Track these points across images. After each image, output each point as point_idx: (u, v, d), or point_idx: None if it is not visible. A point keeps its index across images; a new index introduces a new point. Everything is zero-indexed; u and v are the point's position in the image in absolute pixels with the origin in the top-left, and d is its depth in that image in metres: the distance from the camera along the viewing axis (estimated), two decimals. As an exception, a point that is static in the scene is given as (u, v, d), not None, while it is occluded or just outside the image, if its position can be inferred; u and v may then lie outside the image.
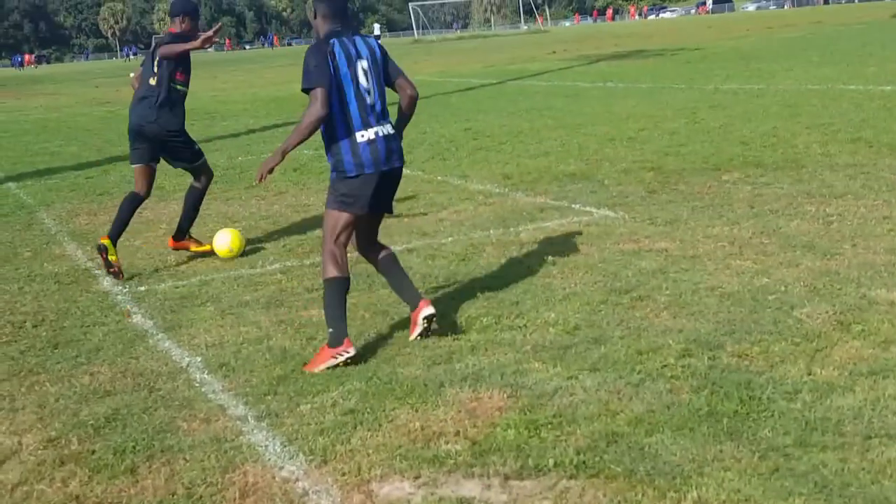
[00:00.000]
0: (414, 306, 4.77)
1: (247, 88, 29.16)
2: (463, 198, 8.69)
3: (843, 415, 3.55)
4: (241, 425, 3.91)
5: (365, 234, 4.93)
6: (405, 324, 4.97)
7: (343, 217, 4.65)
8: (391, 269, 4.94)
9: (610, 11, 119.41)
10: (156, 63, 6.64)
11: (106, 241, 6.55)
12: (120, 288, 6.32)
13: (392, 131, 4.72)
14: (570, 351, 4.47)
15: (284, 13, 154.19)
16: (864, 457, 3.22)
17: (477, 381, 4.15)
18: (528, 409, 3.82)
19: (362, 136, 4.58)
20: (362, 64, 4.61)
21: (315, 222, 7.86)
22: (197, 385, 4.43)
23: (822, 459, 3.22)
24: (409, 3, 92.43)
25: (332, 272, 4.60)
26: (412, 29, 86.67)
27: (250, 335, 5.10)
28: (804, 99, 13.87)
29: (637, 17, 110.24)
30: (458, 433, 3.64)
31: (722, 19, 69.17)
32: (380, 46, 4.80)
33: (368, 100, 4.61)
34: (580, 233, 6.90)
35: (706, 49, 30.27)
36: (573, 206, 7.93)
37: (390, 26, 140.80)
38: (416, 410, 3.88)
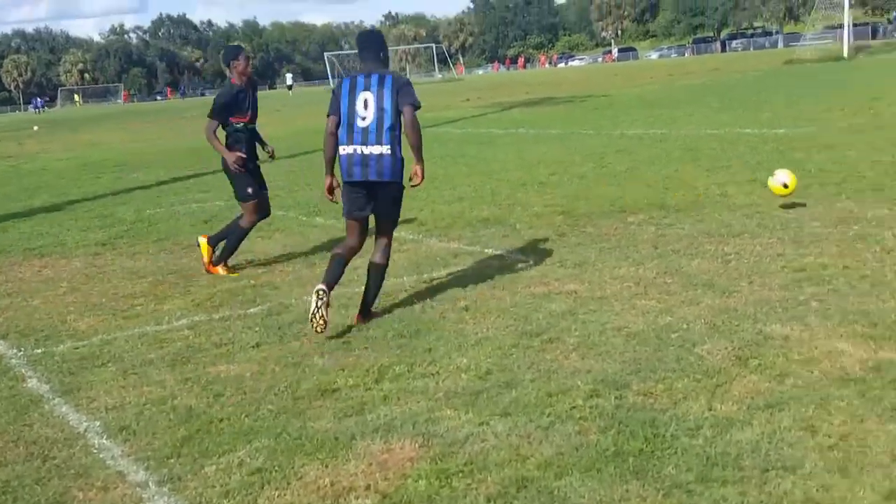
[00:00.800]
0: (359, 312, 6.09)
1: (156, 140, 28.80)
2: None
3: (742, 449, 3.68)
4: (142, 492, 3.80)
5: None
6: (316, 375, 4.98)
7: (346, 221, 6.22)
8: (369, 277, 6.20)
9: (521, 60, 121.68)
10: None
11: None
12: (14, 351, 6.06)
13: (379, 152, 5.83)
14: (482, 396, 4.54)
15: (197, 63, 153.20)
16: (762, 489, 3.34)
17: (388, 431, 4.17)
18: (440, 457, 3.85)
19: (343, 149, 5.93)
20: (363, 96, 5.86)
21: (224, 276, 7.82)
22: (95, 451, 4.25)
23: (722, 494, 3.33)
24: (325, 53, 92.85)
25: (335, 250, 6.18)
26: (328, 78, 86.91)
27: (153, 395, 4.96)
28: (704, 143, 14.33)
29: (547, 65, 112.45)
30: (368, 487, 3.65)
31: (627, 67, 71.06)
32: (394, 82, 5.88)
33: (360, 124, 5.85)
34: (493, 277, 7.01)
35: (613, 96, 31.06)
36: (486, 250, 8.05)
37: (306, 76, 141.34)
38: (326, 466, 3.87)
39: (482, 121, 25.28)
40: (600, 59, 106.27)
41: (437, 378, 4.87)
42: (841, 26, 46.90)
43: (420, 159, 6.03)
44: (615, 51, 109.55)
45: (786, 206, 8.56)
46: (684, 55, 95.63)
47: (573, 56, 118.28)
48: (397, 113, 5.84)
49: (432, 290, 6.77)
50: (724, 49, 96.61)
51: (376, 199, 6.02)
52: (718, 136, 15.02)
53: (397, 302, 6.55)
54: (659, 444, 3.78)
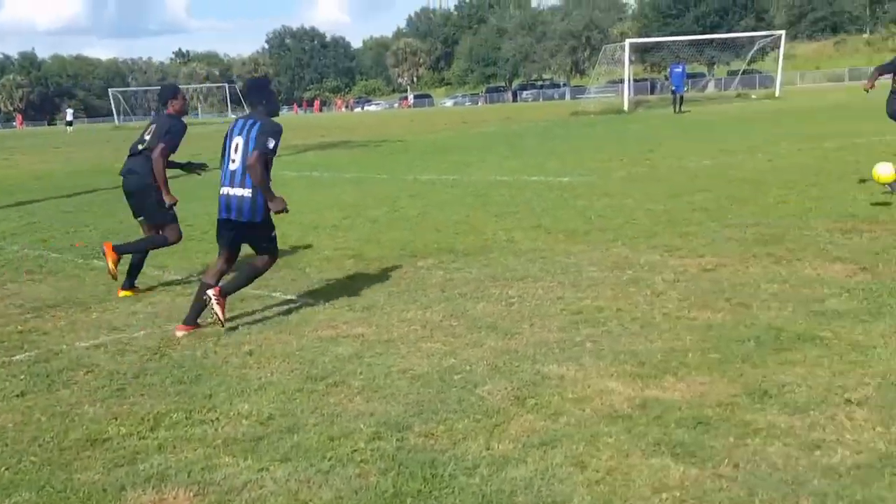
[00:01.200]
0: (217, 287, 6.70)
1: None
2: (159, 289, 8.45)
3: (516, 486, 3.78)
4: None
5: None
6: (86, 424, 4.74)
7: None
8: (242, 267, 7.11)
9: (317, 103, 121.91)
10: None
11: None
12: None
13: (241, 194, 6.52)
14: (263, 442, 4.45)
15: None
16: (533, 524, 3.44)
17: (162, 481, 4.01)
18: (215, 504, 3.75)
19: (220, 189, 6.68)
20: (236, 140, 6.55)
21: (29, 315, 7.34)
22: None
23: (496, 530, 3.40)
24: (110, 90, 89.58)
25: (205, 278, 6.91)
26: (114, 115, 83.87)
27: None
28: (494, 189, 14.79)
29: (344, 108, 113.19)
30: (139, 536, 3.49)
31: (423, 113, 72.59)
32: (260, 127, 6.49)
33: (231, 166, 6.57)
34: (280, 321, 6.92)
35: (408, 141, 31.59)
36: (274, 294, 7.94)
37: (90, 112, 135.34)
38: (94, 517, 3.69)
39: (275, 163, 25.03)
40: (396, 105, 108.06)
41: (216, 425, 4.73)
42: (622, 81, 49.80)
43: (266, 196, 6.56)
44: (411, 97, 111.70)
45: (567, 253, 8.93)
46: (478, 103, 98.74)
47: (370, 101, 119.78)
48: None
49: (216, 335, 6.60)
50: (515, 99, 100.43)
51: (244, 236, 6.85)
52: (507, 183, 15.53)
53: (178, 347, 6.34)
54: (437, 485, 3.82)
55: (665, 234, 9.52)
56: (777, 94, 49.24)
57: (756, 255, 8.07)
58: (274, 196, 6.60)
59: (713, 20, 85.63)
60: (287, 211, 6.72)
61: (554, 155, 21.07)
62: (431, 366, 5.55)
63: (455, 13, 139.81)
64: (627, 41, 50.75)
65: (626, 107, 45.41)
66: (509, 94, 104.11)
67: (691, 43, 67.80)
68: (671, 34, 75.73)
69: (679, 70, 40.86)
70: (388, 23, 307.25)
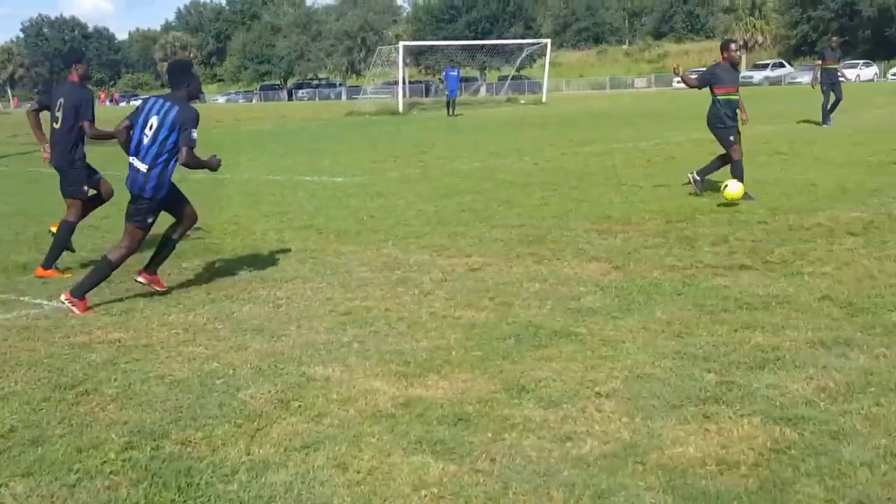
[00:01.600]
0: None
1: None
2: None
3: (276, 490, 3.71)
4: None
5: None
6: None
7: None
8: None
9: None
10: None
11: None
12: None
13: (139, 167, 7.01)
14: (3, 456, 4.15)
15: None
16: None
17: None
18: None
19: (129, 159, 7.15)
20: (151, 119, 7.01)
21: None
22: None
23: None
24: None
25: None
26: None
27: None
28: (265, 188, 14.56)
29: (108, 102, 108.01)
30: None
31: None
32: (177, 114, 6.97)
33: (144, 140, 7.01)
34: (28, 327, 6.49)
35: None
36: (22, 298, 7.44)
37: None
38: None
39: (32, 158, 23.54)
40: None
41: (-50, 440, 4.36)
42: (397, 82, 50.37)
43: (206, 167, 7.29)
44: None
45: (337, 253, 8.89)
46: (252, 101, 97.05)
47: (136, 95, 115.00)
48: (169, 143, 6.94)
49: (-45, 342, 6.10)
50: (290, 97, 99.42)
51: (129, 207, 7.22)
52: (280, 182, 15.33)
53: (-89, 356, 5.80)
54: (192, 493, 3.69)
55: (435, 234, 9.68)
56: (544, 99, 51.33)
57: (520, 255, 8.36)
58: (207, 162, 7.23)
59: (484, 26, 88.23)
60: (216, 167, 7.36)
61: (328, 154, 21.01)
62: (192, 370, 5.37)
63: (227, 8, 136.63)
64: (401, 43, 51.36)
65: (400, 108, 45.93)
66: (284, 93, 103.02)
67: (464, 48, 69.61)
68: (444, 38, 77.40)
69: (454, 74, 41.72)
70: (155, 15, 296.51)
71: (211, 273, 8.25)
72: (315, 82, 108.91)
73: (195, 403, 4.79)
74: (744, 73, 61.81)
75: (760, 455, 3.89)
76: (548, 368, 5.15)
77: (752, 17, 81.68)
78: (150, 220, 7.24)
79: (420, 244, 9.17)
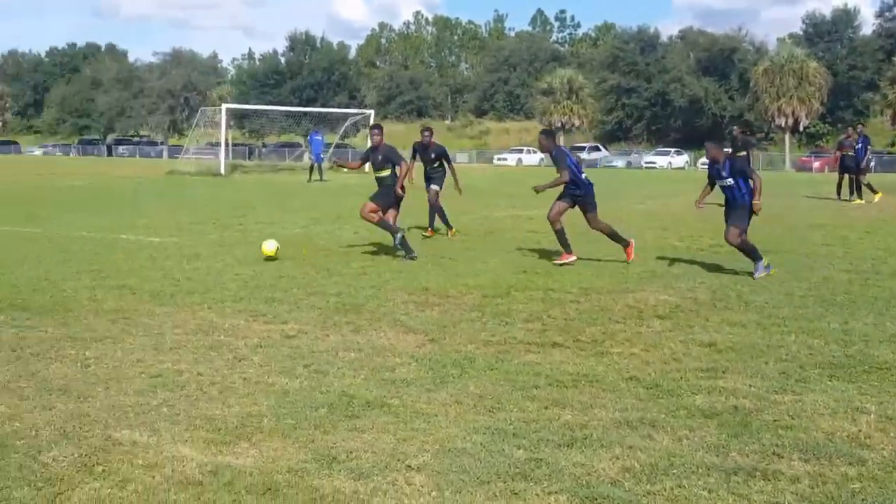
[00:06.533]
0: None
1: None
2: None
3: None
4: None
5: None
6: None
7: None
8: None
9: None
10: None
11: None
12: None
13: None
14: None
15: None
16: None
17: None
18: None
19: None
20: None
21: None
22: None
23: None
24: None
25: None
26: None
27: None
28: (79, 245, 14.11)
29: None
30: None
31: (7, 161, 67.30)
32: None
33: None
34: None
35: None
36: None
37: None
38: None
39: None
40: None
41: None
42: (220, 144, 49.83)
43: None
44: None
45: (151, 314, 8.75)
46: (70, 154, 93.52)
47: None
48: None
49: None
50: (110, 153, 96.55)
51: None
52: (94, 240, 14.89)
53: None
54: (-14, 560, 3.59)
55: (251, 298, 9.67)
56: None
57: (336, 324, 8.47)
58: None
59: (309, 94, 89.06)
60: None
61: (146, 213, 20.58)
62: (-10, 431, 5.19)
63: (46, 60, 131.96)
64: (224, 105, 51.08)
65: (222, 170, 45.45)
66: (104, 148, 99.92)
67: (288, 114, 69.73)
68: (269, 103, 77.41)
69: (318, 138, 40.91)
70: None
71: (18, 329, 7.96)
72: (136, 139, 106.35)
73: (-7, 466, 4.64)
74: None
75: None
76: (360, 439, 5.26)
77: (569, 101, 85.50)
78: None
79: (236, 308, 9.14)
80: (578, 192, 12.71)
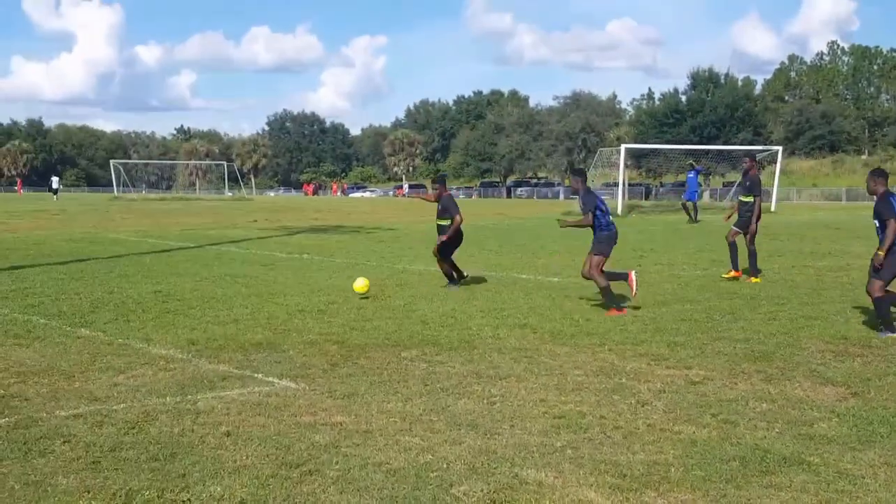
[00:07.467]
0: None
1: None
2: (143, 362, 8.38)
3: None
4: None
5: None
6: (58, 496, 4.64)
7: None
8: None
9: (307, 186, 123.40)
10: None
11: None
12: None
13: None
14: (233, 528, 4.36)
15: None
16: None
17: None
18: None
19: None
20: None
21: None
22: None
23: None
24: (111, 161, 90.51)
25: None
26: (113, 185, 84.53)
27: None
28: (481, 284, 14.81)
29: (339, 193, 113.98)
30: None
31: (416, 203, 72.92)
32: None
33: None
34: (259, 403, 6.85)
35: (399, 230, 31.72)
36: (256, 375, 7.88)
37: (91, 181, 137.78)
38: None
39: (267, 243, 25.12)
40: (391, 193, 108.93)
41: (187, 506, 4.64)
42: (617, 184, 50.31)
43: None
44: (406, 186, 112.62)
45: (552, 354, 8.89)
46: (472, 197, 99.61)
47: (364, 187, 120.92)
48: None
49: (194, 413, 6.53)
50: (509, 195, 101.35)
51: None
52: (495, 279, 15.56)
53: (156, 422, 6.25)
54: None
55: (652, 342, 9.51)
56: (773, 208, 49.71)
57: (745, 372, 8.06)
58: None
59: (710, 131, 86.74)
60: None
61: (543, 253, 21.18)
62: (408, 461, 5.48)
63: (453, 108, 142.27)
64: (623, 146, 51.48)
65: (619, 210, 45.81)
66: (504, 190, 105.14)
67: (687, 152, 68.84)
68: (667, 142, 76.78)
69: (692, 176, 39.59)
70: (386, 112, 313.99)
71: (428, 364, 8.44)
72: (534, 181, 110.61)
73: (409, 495, 4.88)
74: None
75: None
76: (776, 497, 4.90)
77: None
78: None
79: (637, 351, 9.03)
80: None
